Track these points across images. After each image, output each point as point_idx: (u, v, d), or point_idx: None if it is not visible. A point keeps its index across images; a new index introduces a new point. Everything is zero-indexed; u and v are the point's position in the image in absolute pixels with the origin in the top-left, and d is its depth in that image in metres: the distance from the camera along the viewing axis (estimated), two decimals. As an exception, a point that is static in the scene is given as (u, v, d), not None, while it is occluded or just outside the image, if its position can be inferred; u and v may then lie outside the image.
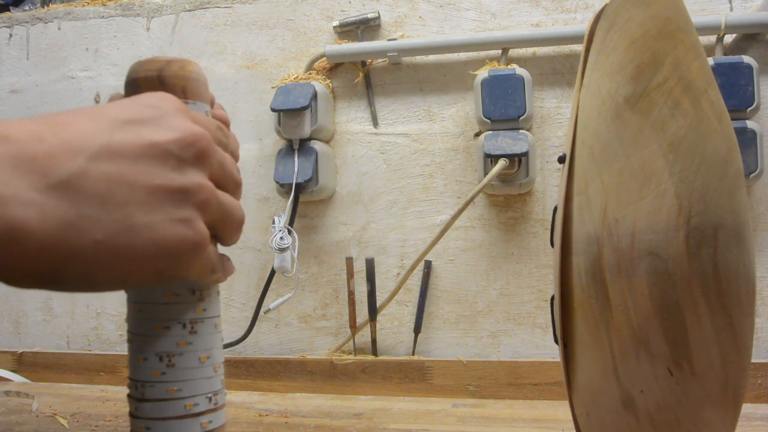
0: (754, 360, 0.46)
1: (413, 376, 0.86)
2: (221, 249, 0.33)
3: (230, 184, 0.31)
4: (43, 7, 1.13)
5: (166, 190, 0.27)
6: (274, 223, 0.91)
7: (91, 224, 0.25)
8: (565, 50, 0.91)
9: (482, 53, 0.92)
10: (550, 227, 0.68)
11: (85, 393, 0.91)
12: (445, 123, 0.94)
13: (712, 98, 0.42)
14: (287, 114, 0.91)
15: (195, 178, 0.28)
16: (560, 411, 0.76)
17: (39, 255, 0.24)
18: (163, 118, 0.28)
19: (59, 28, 1.08)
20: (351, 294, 0.92)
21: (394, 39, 0.93)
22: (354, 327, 0.92)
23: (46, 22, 1.09)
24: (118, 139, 0.26)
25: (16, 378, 0.99)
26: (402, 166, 0.95)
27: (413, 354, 0.92)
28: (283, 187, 0.91)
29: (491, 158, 0.84)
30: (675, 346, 0.40)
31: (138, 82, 0.33)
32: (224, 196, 0.30)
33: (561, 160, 0.47)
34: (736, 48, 0.86)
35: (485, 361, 0.85)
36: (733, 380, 0.40)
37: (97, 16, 1.07)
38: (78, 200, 0.25)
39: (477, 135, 0.91)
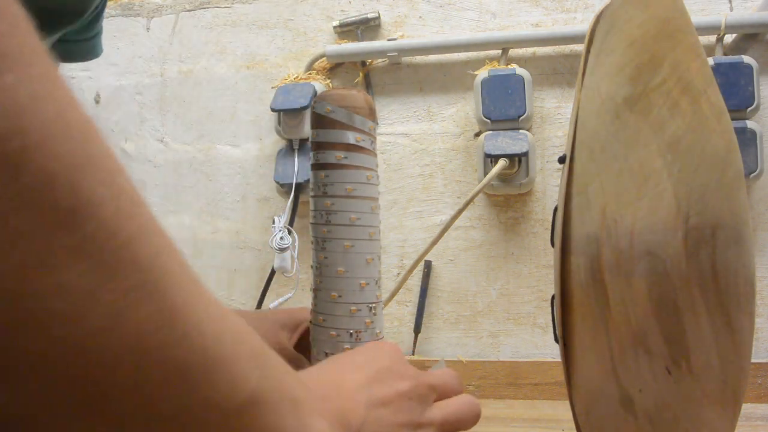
0: (754, 360, 0.46)
1: (413, 375, 0.86)
2: None
3: (451, 392, 0.40)
4: (43, 7, 1.13)
5: (410, 424, 0.36)
6: (274, 223, 0.91)
7: None
8: (565, 50, 0.91)
9: (482, 53, 0.92)
10: (550, 227, 0.68)
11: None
12: (445, 123, 0.94)
13: (711, 98, 0.42)
14: (287, 114, 0.91)
15: (424, 413, 0.37)
16: (560, 411, 0.76)
17: None
18: (397, 368, 0.37)
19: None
20: (351, 294, 0.92)
21: (394, 39, 0.93)
22: (354, 327, 0.92)
23: (46, 22, 1.09)
24: (377, 391, 0.35)
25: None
26: (402, 166, 0.95)
27: (413, 354, 0.92)
28: (283, 187, 0.91)
29: (491, 158, 0.84)
30: (673, 346, 0.40)
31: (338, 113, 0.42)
32: (448, 407, 0.39)
33: (561, 160, 0.47)
34: (736, 48, 0.86)
35: (485, 361, 0.85)
36: (732, 380, 0.40)
37: (98, 16, 1.07)
38: None
39: (477, 135, 0.91)
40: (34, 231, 0.17)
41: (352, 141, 0.42)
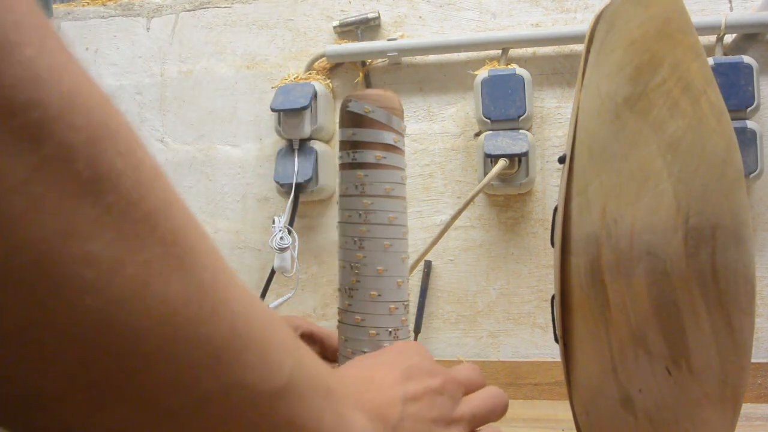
0: (754, 360, 0.46)
1: (413, 375, 0.86)
2: None
3: (476, 386, 0.41)
4: (43, 7, 1.13)
5: (442, 420, 0.36)
6: (274, 223, 0.91)
7: None
8: (565, 50, 0.91)
9: (482, 53, 0.92)
10: (550, 227, 0.68)
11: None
12: (445, 123, 0.94)
13: (711, 98, 0.42)
14: (287, 114, 0.91)
15: (455, 408, 0.37)
16: (560, 411, 0.76)
17: None
18: (426, 366, 0.38)
19: (59, 28, 1.08)
20: (351, 294, 0.92)
21: (394, 39, 0.93)
22: (354, 327, 0.92)
23: (46, 22, 1.09)
24: (410, 388, 0.35)
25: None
26: (402, 166, 0.95)
27: (413, 354, 0.92)
28: (283, 187, 0.91)
29: (491, 158, 0.84)
30: (673, 346, 0.40)
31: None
32: (476, 401, 0.39)
33: (561, 160, 0.47)
34: (736, 48, 0.86)
35: (485, 361, 0.85)
36: (731, 380, 0.40)
37: (97, 16, 1.07)
38: None
39: (477, 135, 0.91)
40: (59, 201, 0.17)
41: (390, 141, 0.43)
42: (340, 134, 0.45)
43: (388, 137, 0.43)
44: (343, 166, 0.44)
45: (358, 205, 0.43)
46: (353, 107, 0.43)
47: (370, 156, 0.42)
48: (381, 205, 0.42)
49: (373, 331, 0.42)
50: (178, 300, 0.20)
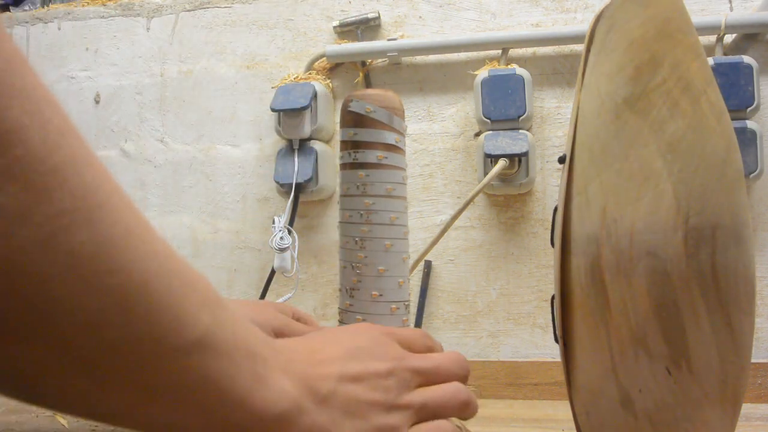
0: (754, 360, 0.46)
1: (413, 376, 0.86)
2: None
3: (441, 377, 0.39)
4: (43, 7, 1.13)
5: (384, 404, 0.35)
6: (274, 223, 0.91)
7: (339, 429, 0.32)
8: (565, 50, 0.91)
9: (482, 53, 0.92)
10: (550, 227, 0.68)
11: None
12: (445, 123, 0.94)
13: (711, 98, 0.42)
14: (287, 114, 0.91)
15: (401, 395, 0.36)
16: (560, 411, 0.76)
17: None
18: (378, 348, 0.37)
19: (59, 28, 1.09)
20: (351, 294, 0.92)
21: (394, 39, 0.93)
22: (354, 327, 0.92)
23: (46, 22, 1.09)
24: (351, 367, 0.35)
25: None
26: (402, 166, 0.95)
27: (413, 354, 0.92)
28: (283, 187, 0.91)
29: (491, 158, 0.84)
30: (673, 346, 0.40)
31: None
32: (431, 393, 0.38)
33: (561, 160, 0.47)
34: (736, 48, 0.86)
35: (485, 361, 0.85)
36: (732, 380, 0.40)
37: (97, 16, 1.07)
38: (331, 412, 0.32)
39: (477, 135, 0.91)
40: None
41: (391, 141, 0.43)
42: (341, 134, 0.44)
43: (390, 137, 0.43)
44: (344, 166, 0.44)
45: (359, 205, 0.42)
46: (354, 107, 0.43)
47: (372, 156, 0.42)
48: (382, 205, 0.42)
49: None
50: (84, 252, 0.21)
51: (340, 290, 0.44)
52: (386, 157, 0.42)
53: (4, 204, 0.19)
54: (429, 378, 0.39)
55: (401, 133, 0.43)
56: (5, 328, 0.21)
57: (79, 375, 0.23)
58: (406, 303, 0.44)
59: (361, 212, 0.42)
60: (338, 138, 0.45)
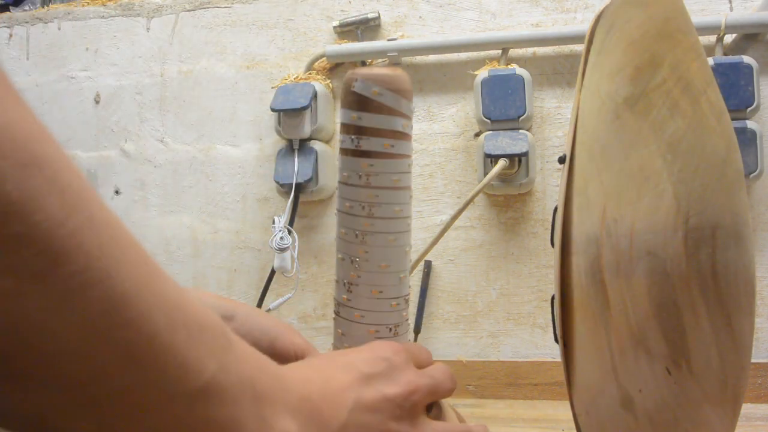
0: (754, 360, 0.46)
1: (413, 375, 0.86)
2: None
3: (441, 393, 0.39)
4: (43, 7, 1.13)
5: None
6: (274, 223, 0.91)
7: None
8: (565, 50, 0.91)
9: (482, 53, 0.92)
10: (550, 227, 0.68)
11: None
12: (445, 123, 0.94)
13: (711, 98, 0.42)
14: (287, 114, 0.91)
15: (410, 428, 0.36)
16: (560, 411, 0.76)
17: None
18: (393, 372, 0.36)
19: (59, 28, 1.09)
20: (351, 294, 0.92)
21: (394, 39, 0.93)
22: (354, 327, 0.92)
23: (46, 22, 1.09)
24: (365, 395, 0.34)
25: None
26: (402, 166, 0.95)
27: (413, 354, 0.92)
28: (283, 187, 0.91)
29: (491, 158, 0.84)
30: (673, 346, 0.40)
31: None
32: (440, 428, 0.38)
33: (561, 160, 0.47)
34: (736, 48, 0.86)
35: (485, 361, 0.85)
36: (731, 380, 0.40)
37: (97, 16, 1.07)
38: None
39: (477, 135, 0.91)
40: None
41: (399, 128, 0.39)
42: (341, 115, 0.40)
43: (398, 123, 0.39)
44: (346, 152, 0.40)
45: (361, 196, 0.39)
46: (359, 88, 0.38)
47: (378, 144, 0.38)
48: (387, 198, 0.39)
49: (373, 329, 0.40)
50: (96, 308, 0.22)
51: (336, 281, 0.42)
52: (393, 146, 0.39)
53: (21, 266, 0.21)
54: (435, 395, 0.39)
55: (409, 118, 0.40)
56: (16, 376, 0.22)
57: (86, 419, 0.24)
58: (406, 297, 0.42)
59: (364, 204, 0.39)
60: (339, 118, 0.41)
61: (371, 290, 0.40)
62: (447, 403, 0.42)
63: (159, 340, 0.25)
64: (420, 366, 0.40)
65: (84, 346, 0.23)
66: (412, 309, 0.93)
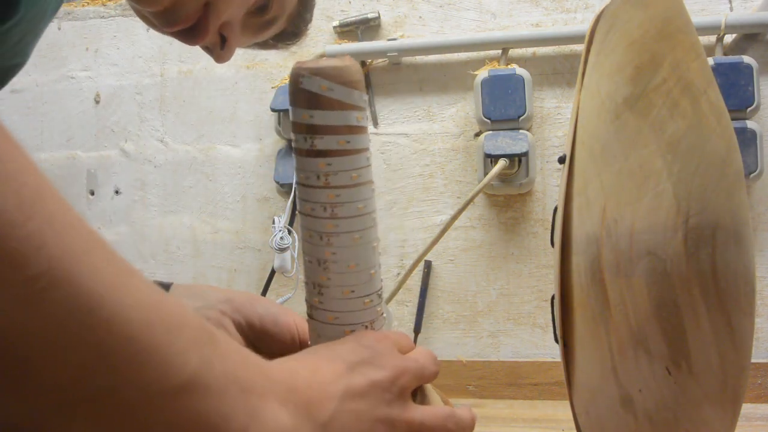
0: (754, 360, 0.46)
1: (413, 375, 0.86)
2: None
3: (426, 376, 0.39)
4: (43, 7, 1.13)
5: (384, 420, 0.35)
6: (274, 223, 0.91)
7: None
8: (565, 50, 0.91)
9: (482, 53, 0.92)
10: (550, 227, 0.68)
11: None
12: (445, 123, 0.94)
13: (711, 98, 0.42)
14: (287, 114, 0.91)
15: (401, 412, 0.36)
16: (560, 411, 0.76)
17: None
18: (378, 358, 0.36)
19: (59, 28, 1.09)
20: (351, 294, 0.92)
21: (394, 39, 0.93)
22: (354, 327, 0.92)
23: (46, 22, 1.09)
24: (354, 382, 0.34)
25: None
26: (402, 166, 0.95)
27: (413, 354, 0.92)
28: (283, 187, 0.91)
29: (491, 158, 0.84)
30: (673, 346, 0.40)
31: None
32: (429, 413, 0.38)
33: (561, 160, 0.47)
34: (736, 48, 0.86)
35: (485, 361, 0.85)
36: (731, 380, 0.40)
37: (97, 16, 1.07)
38: None
39: (477, 135, 0.91)
40: None
41: (353, 122, 0.37)
42: (291, 113, 0.38)
43: (351, 117, 0.37)
44: (300, 152, 0.38)
45: (322, 197, 0.38)
46: (307, 84, 0.37)
47: (333, 142, 0.37)
48: (348, 196, 0.38)
49: (348, 329, 0.39)
50: (63, 310, 0.22)
51: (305, 283, 0.41)
52: (349, 141, 0.37)
53: None
54: (421, 378, 0.39)
55: (363, 109, 0.38)
56: None
57: (67, 422, 0.24)
58: (379, 292, 0.41)
59: (325, 206, 0.38)
60: (290, 117, 0.39)
61: (342, 291, 0.39)
62: (431, 386, 0.42)
63: (136, 339, 0.24)
64: (403, 352, 0.40)
65: (57, 349, 0.22)
66: (412, 309, 0.93)
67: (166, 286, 0.57)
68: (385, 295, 0.90)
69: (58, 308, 0.22)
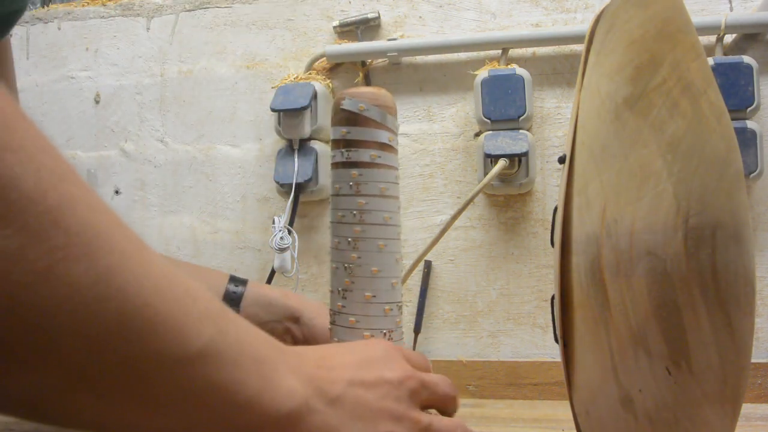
0: (754, 360, 0.46)
1: (413, 375, 0.86)
2: None
3: (440, 395, 0.41)
4: (43, 7, 1.13)
5: (390, 413, 0.35)
6: (274, 223, 0.91)
7: (348, 430, 0.33)
8: (565, 50, 0.91)
9: (482, 53, 0.92)
10: (550, 227, 0.68)
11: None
12: (445, 123, 0.94)
13: (711, 98, 0.42)
14: (287, 114, 0.91)
15: (407, 410, 0.37)
16: (560, 411, 0.76)
17: None
18: (390, 360, 0.38)
19: (59, 28, 1.09)
20: (351, 294, 0.92)
21: (394, 39, 0.93)
22: (354, 327, 0.92)
23: (45, 22, 1.09)
24: (362, 374, 0.35)
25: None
26: (402, 166, 0.95)
27: (413, 354, 0.92)
28: (283, 187, 0.91)
29: (491, 158, 0.84)
30: (673, 346, 0.40)
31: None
32: (439, 422, 0.38)
33: (561, 160, 0.47)
34: (736, 48, 0.86)
35: (485, 361, 0.85)
36: (731, 380, 0.40)
37: (97, 16, 1.07)
38: (341, 414, 0.33)
39: (477, 135, 0.91)
40: None
41: (384, 140, 0.42)
42: (332, 133, 0.44)
43: (383, 136, 0.42)
44: (336, 165, 0.43)
45: (352, 204, 0.42)
46: (347, 105, 0.42)
47: (365, 155, 0.42)
48: (376, 205, 0.42)
49: (367, 333, 0.42)
50: (81, 282, 0.23)
51: (331, 292, 0.44)
52: (380, 156, 0.42)
53: (1, 245, 0.21)
54: (432, 393, 0.40)
55: (394, 132, 0.43)
56: (11, 356, 0.23)
57: (85, 393, 0.25)
58: (399, 304, 0.44)
59: (354, 212, 0.42)
60: (330, 136, 0.44)
61: (364, 295, 0.42)
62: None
63: (150, 308, 0.25)
64: (419, 369, 0.41)
65: (75, 321, 0.23)
66: (412, 309, 0.93)
67: (242, 282, 0.61)
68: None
69: (76, 280, 0.23)
